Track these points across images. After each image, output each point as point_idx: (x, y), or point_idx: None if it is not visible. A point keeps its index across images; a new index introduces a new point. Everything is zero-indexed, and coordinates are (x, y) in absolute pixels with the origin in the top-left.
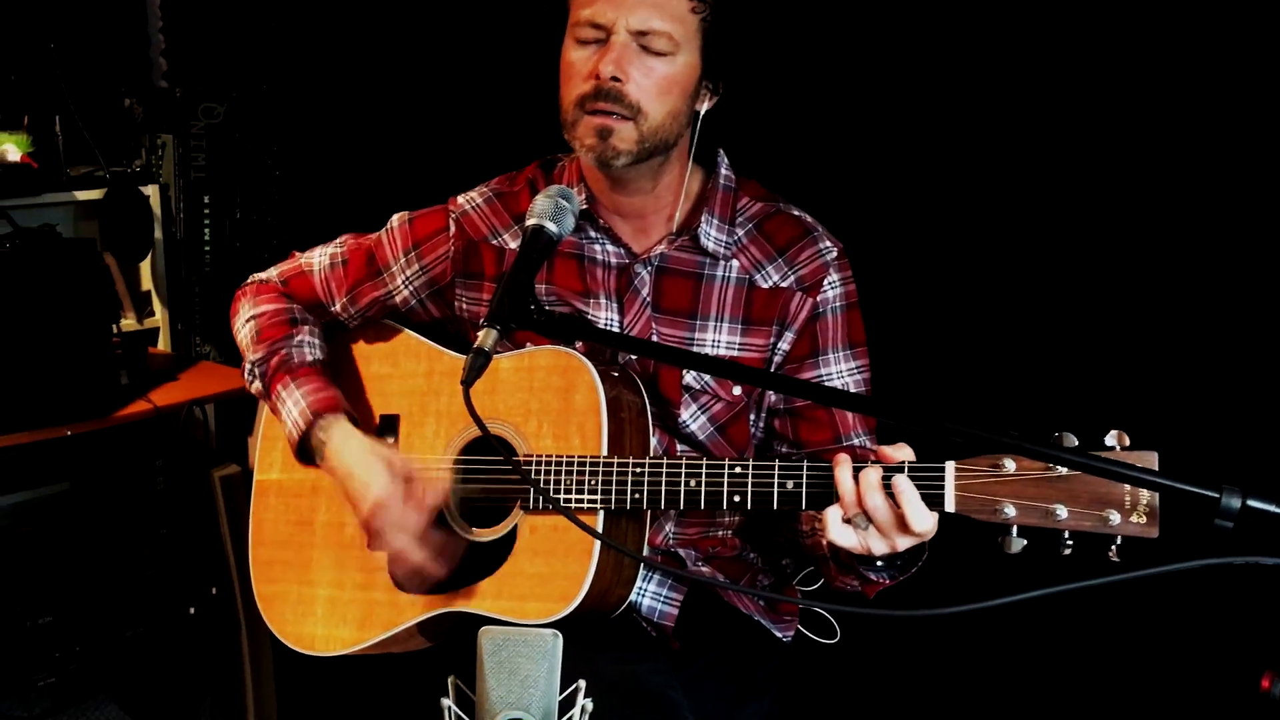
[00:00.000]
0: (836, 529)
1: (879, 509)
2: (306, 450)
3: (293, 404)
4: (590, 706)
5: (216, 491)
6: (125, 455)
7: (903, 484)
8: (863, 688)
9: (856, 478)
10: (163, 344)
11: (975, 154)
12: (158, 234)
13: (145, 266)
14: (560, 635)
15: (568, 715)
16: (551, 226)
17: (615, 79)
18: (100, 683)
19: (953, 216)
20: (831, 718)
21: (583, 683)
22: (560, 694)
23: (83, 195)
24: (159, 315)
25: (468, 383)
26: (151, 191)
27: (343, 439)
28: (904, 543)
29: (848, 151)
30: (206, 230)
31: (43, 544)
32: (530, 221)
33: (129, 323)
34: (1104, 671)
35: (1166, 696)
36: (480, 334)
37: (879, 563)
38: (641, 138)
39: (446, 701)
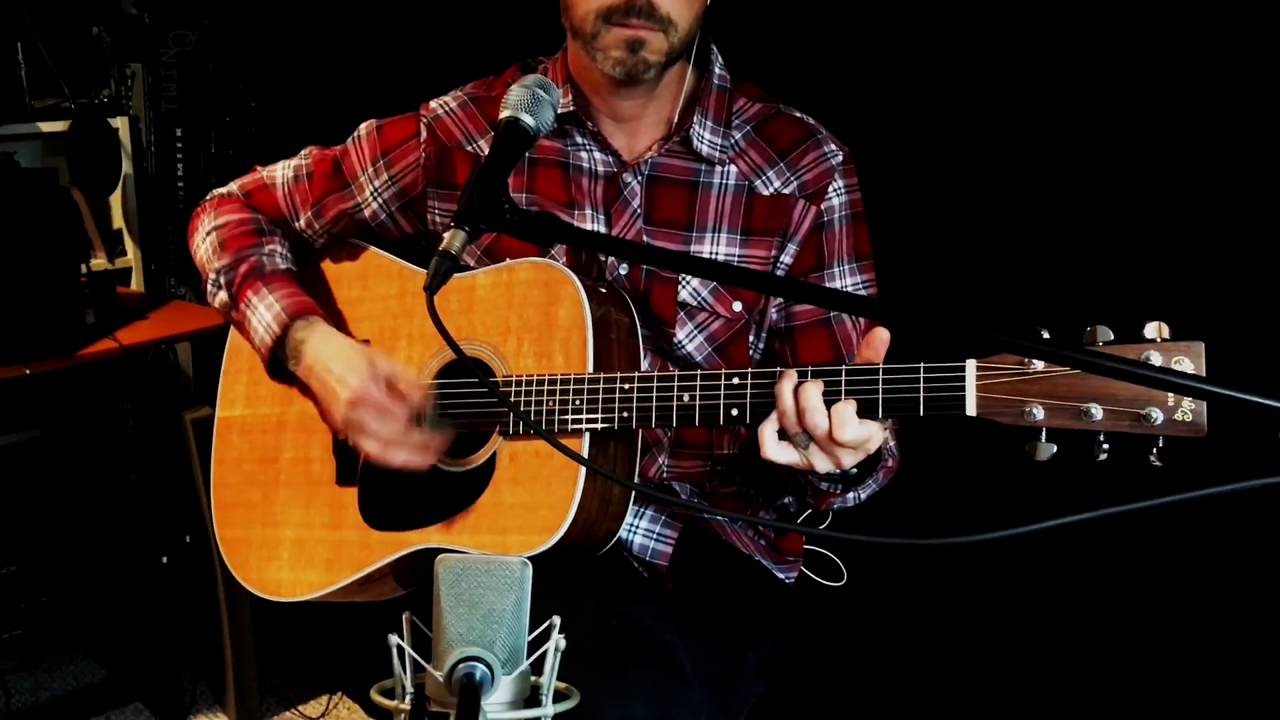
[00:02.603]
0: (772, 445)
1: (818, 426)
2: (280, 355)
3: (265, 308)
4: (563, 644)
5: (188, 435)
6: (93, 398)
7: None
8: (871, 633)
9: (797, 393)
10: (136, 284)
11: (987, 39)
12: (128, 169)
13: (116, 204)
14: (529, 564)
15: (536, 655)
16: (527, 119)
17: None
18: (74, 636)
19: (963, 98)
20: (838, 664)
21: (557, 619)
22: (532, 633)
23: (47, 127)
24: (131, 255)
25: (431, 288)
26: (120, 124)
27: (323, 337)
28: (848, 459)
29: (846, 43)
30: (180, 165)
31: (9, 492)
32: (504, 114)
33: (99, 262)
34: (1135, 610)
35: (1203, 630)
36: (446, 235)
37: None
38: (671, 48)
39: (394, 638)
